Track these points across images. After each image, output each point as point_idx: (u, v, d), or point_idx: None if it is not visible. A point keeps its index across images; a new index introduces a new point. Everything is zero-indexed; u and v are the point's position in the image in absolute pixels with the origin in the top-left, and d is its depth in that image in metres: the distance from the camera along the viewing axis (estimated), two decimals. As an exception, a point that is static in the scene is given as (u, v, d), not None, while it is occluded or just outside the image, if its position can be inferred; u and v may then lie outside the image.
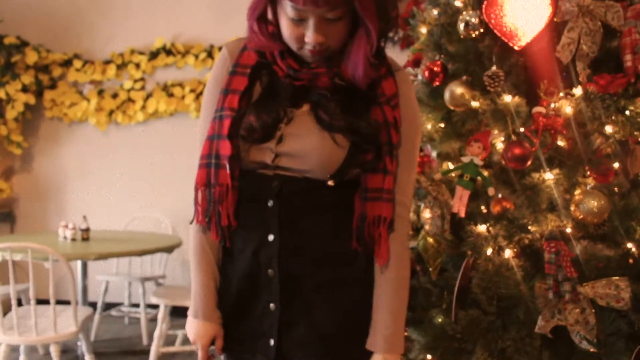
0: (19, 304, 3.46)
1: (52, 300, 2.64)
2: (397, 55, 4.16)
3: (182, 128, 4.54)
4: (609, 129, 1.66)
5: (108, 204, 4.66)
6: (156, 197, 4.56)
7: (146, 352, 3.54)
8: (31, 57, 4.49)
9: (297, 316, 1.15)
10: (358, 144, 1.09)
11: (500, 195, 1.78)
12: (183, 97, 4.53)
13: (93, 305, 3.71)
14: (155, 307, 4.00)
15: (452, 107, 1.85)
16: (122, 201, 4.65)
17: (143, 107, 4.58)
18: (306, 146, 1.09)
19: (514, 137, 1.67)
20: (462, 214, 1.67)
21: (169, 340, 3.72)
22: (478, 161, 1.69)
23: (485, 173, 1.72)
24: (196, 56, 4.52)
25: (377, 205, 1.11)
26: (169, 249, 3.42)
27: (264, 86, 1.15)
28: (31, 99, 4.53)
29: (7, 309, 2.85)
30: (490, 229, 1.68)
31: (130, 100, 4.61)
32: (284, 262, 1.13)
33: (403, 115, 1.13)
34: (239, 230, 1.17)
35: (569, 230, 1.61)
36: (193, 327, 1.21)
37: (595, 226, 1.65)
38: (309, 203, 1.12)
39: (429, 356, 1.83)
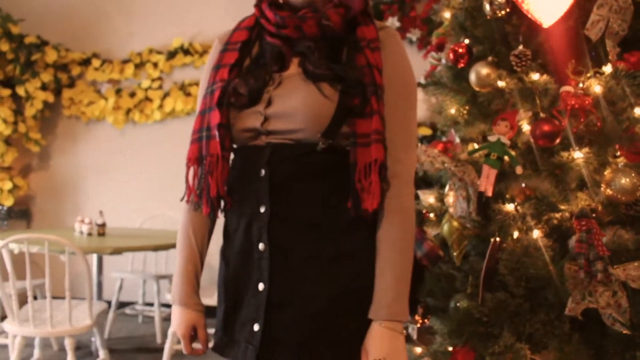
0: (34, 299, 3.45)
1: (67, 293, 2.62)
2: (414, 56, 4.14)
3: (199, 127, 4.54)
4: (638, 111, 1.62)
5: (124, 202, 4.66)
6: (172, 195, 4.51)
7: (160, 350, 3.51)
8: (51, 56, 4.53)
9: (287, 295, 1.08)
10: (345, 92, 1.06)
11: (523, 185, 1.74)
12: (200, 97, 4.55)
13: (107, 303, 3.69)
14: (169, 306, 3.98)
15: (477, 89, 1.82)
16: (138, 199, 4.65)
17: (160, 106, 4.60)
18: (293, 102, 1.07)
19: (542, 115, 1.64)
20: (489, 193, 1.63)
21: (183, 338, 3.68)
22: (505, 140, 1.66)
23: (513, 152, 1.68)
24: (213, 56, 4.53)
25: (367, 151, 1.06)
26: (184, 245, 3.40)
27: (253, 57, 1.16)
28: (50, 97, 4.57)
29: (22, 304, 2.83)
30: (519, 207, 1.64)
31: (147, 99, 4.63)
32: (274, 233, 1.09)
33: (391, 70, 1.11)
34: (235, 207, 1.15)
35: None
36: (173, 314, 1.19)
37: (626, 206, 1.60)
38: (300, 169, 1.08)
39: (450, 348, 1.79)
